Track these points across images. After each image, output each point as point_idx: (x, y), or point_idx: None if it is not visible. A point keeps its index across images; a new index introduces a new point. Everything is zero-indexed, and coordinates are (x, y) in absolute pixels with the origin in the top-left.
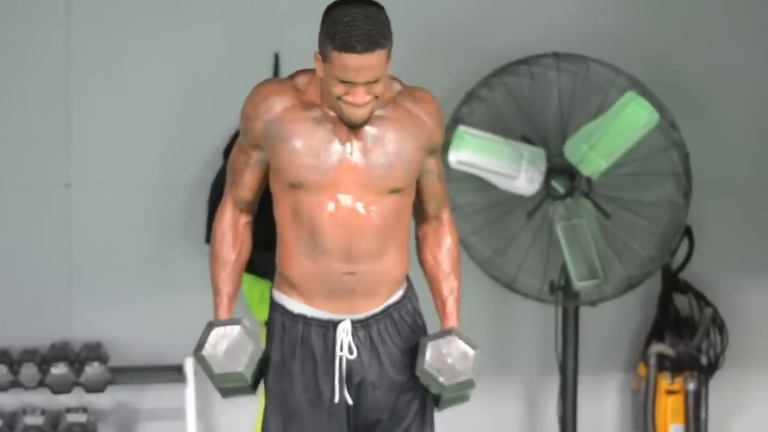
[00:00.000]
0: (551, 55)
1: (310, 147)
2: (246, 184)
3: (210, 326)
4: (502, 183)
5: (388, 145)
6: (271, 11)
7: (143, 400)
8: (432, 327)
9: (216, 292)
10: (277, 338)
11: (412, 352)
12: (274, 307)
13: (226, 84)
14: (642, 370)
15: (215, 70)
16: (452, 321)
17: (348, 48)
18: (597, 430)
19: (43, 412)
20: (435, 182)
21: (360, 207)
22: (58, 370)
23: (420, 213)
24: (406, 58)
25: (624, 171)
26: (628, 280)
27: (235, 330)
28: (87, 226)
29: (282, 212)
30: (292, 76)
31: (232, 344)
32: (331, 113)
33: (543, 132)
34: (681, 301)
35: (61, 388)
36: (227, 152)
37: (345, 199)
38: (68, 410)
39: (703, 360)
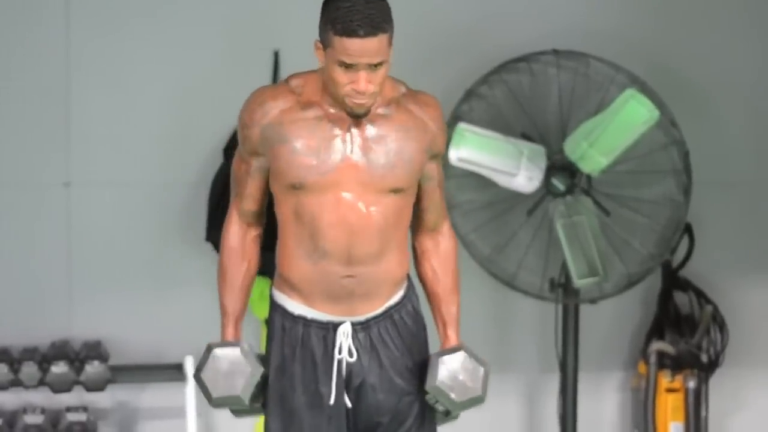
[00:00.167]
0: (551, 53)
1: (309, 147)
2: (250, 195)
3: (209, 348)
4: (502, 180)
5: (390, 145)
6: (270, 9)
7: (143, 399)
8: (431, 328)
9: (223, 312)
10: (277, 339)
11: (413, 354)
12: (275, 307)
13: (225, 82)
14: (642, 367)
15: (215, 68)
16: (455, 337)
17: (350, 32)
18: (597, 427)
19: (43, 410)
20: (435, 190)
21: (361, 206)
22: (58, 368)
23: (418, 223)
24: (406, 56)
25: (624, 168)
26: (629, 277)
27: (233, 353)
28: (86, 224)
29: (283, 214)
30: (285, 81)
31: (230, 368)
32: (332, 110)
33: (543, 129)
34: (681, 299)
35: (61, 386)
36: (227, 151)
37: (346, 199)
38: (68, 409)
39: (704, 358)
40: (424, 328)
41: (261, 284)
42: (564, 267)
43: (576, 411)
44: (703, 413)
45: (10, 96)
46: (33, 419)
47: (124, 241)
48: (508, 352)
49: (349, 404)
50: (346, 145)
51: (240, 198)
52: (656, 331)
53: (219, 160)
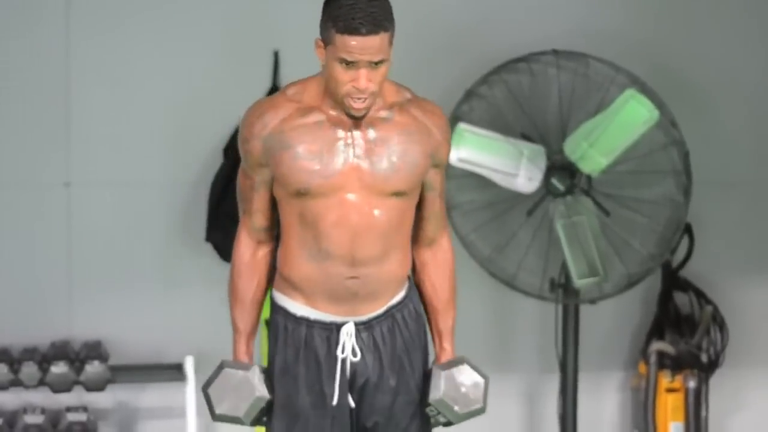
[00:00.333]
0: (551, 53)
1: (312, 151)
2: (258, 210)
3: (221, 366)
4: (502, 181)
5: (393, 148)
6: (270, 9)
7: (143, 399)
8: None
9: (234, 329)
10: (280, 341)
11: (413, 355)
12: (276, 309)
13: (225, 82)
14: (642, 368)
15: (215, 68)
16: (450, 349)
17: (352, 30)
18: (597, 427)
19: (43, 410)
20: (436, 199)
21: (365, 209)
22: (58, 368)
23: (418, 233)
24: (407, 56)
25: (624, 168)
26: (629, 277)
27: (243, 375)
28: (87, 224)
29: (287, 217)
30: (282, 91)
31: (237, 389)
32: (333, 113)
33: (543, 129)
34: (681, 299)
35: (61, 386)
36: (227, 151)
37: (350, 201)
38: (68, 409)
39: (704, 358)
40: (424, 328)
41: None
42: (564, 267)
43: (576, 411)
44: (703, 413)
45: (10, 96)
46: (33, 419)
47: (124, 241)
48: (508, 352)
49: (352, 404)
50: (348, 148)
51: (249, 215)
52: (656, 331)
53: (219, 160)
